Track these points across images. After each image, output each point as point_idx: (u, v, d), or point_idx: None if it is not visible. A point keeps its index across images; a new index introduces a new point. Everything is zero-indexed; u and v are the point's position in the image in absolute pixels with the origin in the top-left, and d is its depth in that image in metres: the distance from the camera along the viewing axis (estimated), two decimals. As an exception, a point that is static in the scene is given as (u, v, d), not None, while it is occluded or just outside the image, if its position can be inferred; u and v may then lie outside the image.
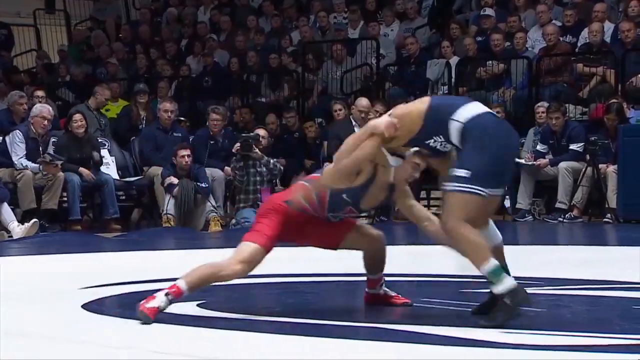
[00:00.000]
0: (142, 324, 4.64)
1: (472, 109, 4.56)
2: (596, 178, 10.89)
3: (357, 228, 5.02)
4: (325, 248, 5.06)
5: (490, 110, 4.68)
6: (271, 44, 15.26)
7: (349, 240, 4.98)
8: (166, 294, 4.75)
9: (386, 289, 5.11)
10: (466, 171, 4.45)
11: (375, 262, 5.02)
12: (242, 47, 15.15)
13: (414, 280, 6.08)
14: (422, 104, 4.65)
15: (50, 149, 11.14)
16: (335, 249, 5.03)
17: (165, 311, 4.74)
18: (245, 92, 14.62)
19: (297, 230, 4.88)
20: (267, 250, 4.81)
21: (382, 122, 4.62)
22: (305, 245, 5.13)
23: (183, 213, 10.88)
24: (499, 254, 4.64)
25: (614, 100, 11.33)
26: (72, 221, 10.96)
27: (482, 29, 13.79)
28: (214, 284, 4.91)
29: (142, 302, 4.74)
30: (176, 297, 4.78)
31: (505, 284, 4.38)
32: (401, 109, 4.71)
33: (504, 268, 4.57)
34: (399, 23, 14.91)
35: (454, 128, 4.51)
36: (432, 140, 4.57)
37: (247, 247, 4.77)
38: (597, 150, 10.89)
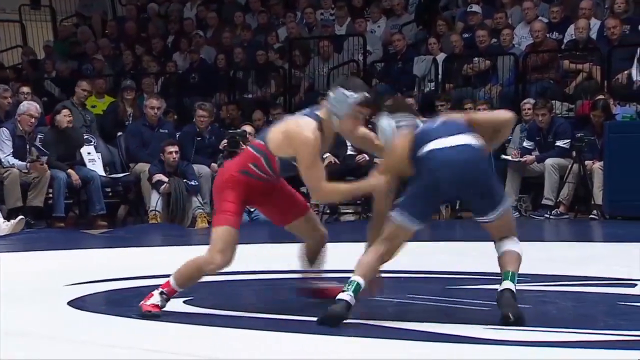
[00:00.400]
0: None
1: (436, 144, 4.57)
2: (582, 175, 10.92)
3: (308, 217, 5.08)
4: (275, 223, 5.14)
5: (453, 143, 4.56)
6: (258, 41, 15.24)
7: (297, 224, 5.05)
8: (160, 293, 4.80)
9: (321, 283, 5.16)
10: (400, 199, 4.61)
11: (316, 256, 5.08)
12: (228, 43, 15.13)
13: (400, 277, 6.08)
14: (403, 158, 4.63)
15: (38, 146, 11.11)
16: (283, 226, 5.11)
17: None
18: (232, 88, 14.60)
19: (256, 198, 4.92)
20: (238, 227, 4.82)
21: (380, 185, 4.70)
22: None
23: (175, 212, 10.86)
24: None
25: (600, 97, 11.36)
26: (56, 218, 10.93)
27: (468, 26, 13.81)
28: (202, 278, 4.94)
29: (142, 301, 4.80)
30: (170, 294, 4.82)
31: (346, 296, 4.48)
32: (388, 161, 4.72)
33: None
34: (386, 19, 14.91)
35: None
36: None
37: (220, 233, 4.77)
38: (583, 146, 10.91)
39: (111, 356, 4.08)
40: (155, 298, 4.79)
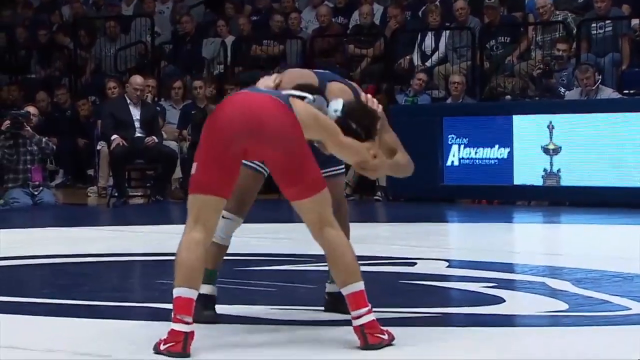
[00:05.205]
0: None
1: None
2: (367, 157, 11.17)
3: None
4: None
5: None
6: (40, 19, 14.81)
7: None
8: None
9: None
10: None
11: None
12: (9, 21, 14.64)
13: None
14: None
15: None
16: None
17: None
18: (14, 68, 14.16)
19: None
20: None
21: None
22: None
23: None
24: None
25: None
26: None
27: (256, 9, 13.89)
28: None
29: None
30: None
31: None
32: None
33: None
34: (174, 1, 14.80)
35: None
36: None
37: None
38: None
39: None
40: None
